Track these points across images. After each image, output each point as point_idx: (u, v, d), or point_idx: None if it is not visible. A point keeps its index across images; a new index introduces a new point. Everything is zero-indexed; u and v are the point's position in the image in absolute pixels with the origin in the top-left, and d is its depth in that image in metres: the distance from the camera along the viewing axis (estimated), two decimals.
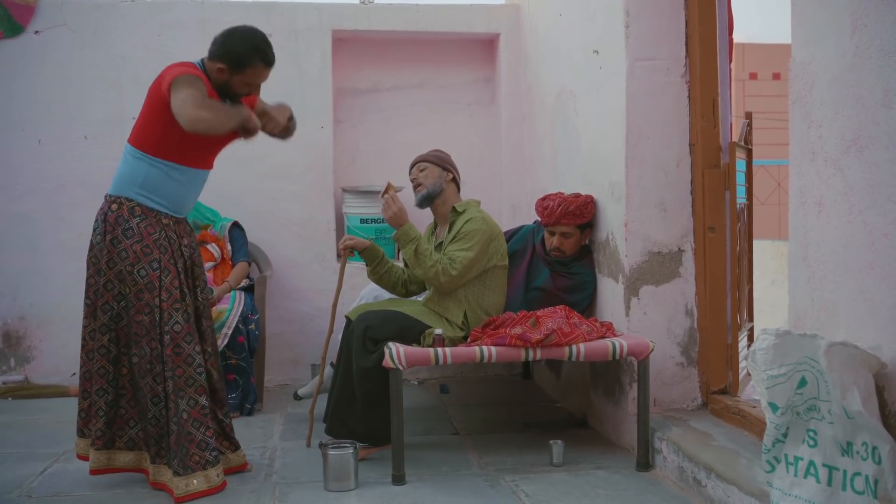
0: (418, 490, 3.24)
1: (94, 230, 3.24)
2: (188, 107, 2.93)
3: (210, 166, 3.38)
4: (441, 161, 3.91)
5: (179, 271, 3.24)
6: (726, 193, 3.60)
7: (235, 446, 3.43)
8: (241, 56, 3.17)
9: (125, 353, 3.23)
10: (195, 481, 3.14)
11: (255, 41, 3.21)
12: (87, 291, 3.25)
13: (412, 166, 3.94)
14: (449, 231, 3.80)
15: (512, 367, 5.22)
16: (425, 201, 3.86)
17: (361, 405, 3.51)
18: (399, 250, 4.05)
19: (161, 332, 3.17)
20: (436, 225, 4.00)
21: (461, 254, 3.64)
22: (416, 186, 3.88)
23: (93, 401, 3.24)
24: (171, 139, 3.15)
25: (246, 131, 3.13)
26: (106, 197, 3.25)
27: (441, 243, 3.82)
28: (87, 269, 3.25)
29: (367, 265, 3.98)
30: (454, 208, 3.82)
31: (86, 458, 3.30)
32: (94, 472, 3.26)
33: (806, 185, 2.53)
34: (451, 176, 3.88)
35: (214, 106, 3.02)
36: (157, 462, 3.23)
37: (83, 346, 3.26)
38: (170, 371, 3.16)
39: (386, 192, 3.78)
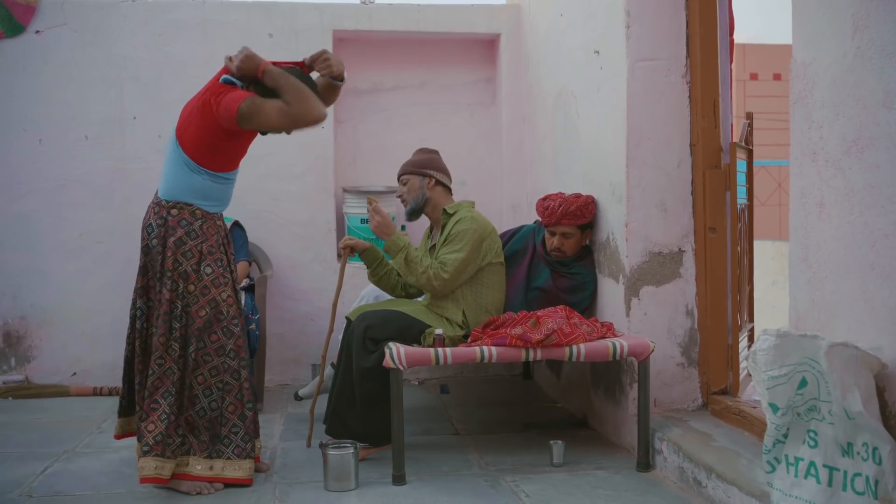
0: (418, 490, 3.24)
1: (149, 234, 3.31)
2: (305, 106, 3.15)
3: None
4: (420, 168, 3.88)
5: (232, 269, 3.40)
6: (727, 194, 3.60)
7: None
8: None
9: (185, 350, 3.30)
10: (248, 465, 3.29)
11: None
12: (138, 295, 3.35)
13: (398, 177, 3.96)
14: (441, 233, 3.81)
15: (512, 367, 5.22)
16: (412, 215, 3.90)
17: (361, 405, 3.51)
18: None
19: (228, 325, 3.29)
20: (431, 229, 4.01)
21: (452, 256, 3.65)
22: (403, 202, 3.91)
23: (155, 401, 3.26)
24: (227, 153, 3.33)
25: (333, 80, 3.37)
26: (162, 203, 3.31)
27: (434, 245, 3.82)
28: (141, 274, 3.33)
29: (366, 267, 3.98)
30: (445, 211, 3.81)
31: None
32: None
33: (807, 185, 2.53)
34: (433, 181, 3.86)
35: (300, 87, 3.18)
36: (197, 454, 3.27)
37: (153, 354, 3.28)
38: (234, 362, 3.29)
39: (368, 204, 3.78)
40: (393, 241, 3.69)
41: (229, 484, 3.27)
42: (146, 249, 3.32)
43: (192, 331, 3.26)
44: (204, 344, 3.27)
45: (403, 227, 5.24)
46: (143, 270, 3.33)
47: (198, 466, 3.25)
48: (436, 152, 4.00)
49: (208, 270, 3.29)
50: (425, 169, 3.88)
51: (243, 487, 3.27)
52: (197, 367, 3.26)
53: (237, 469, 3.27)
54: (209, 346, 3.27)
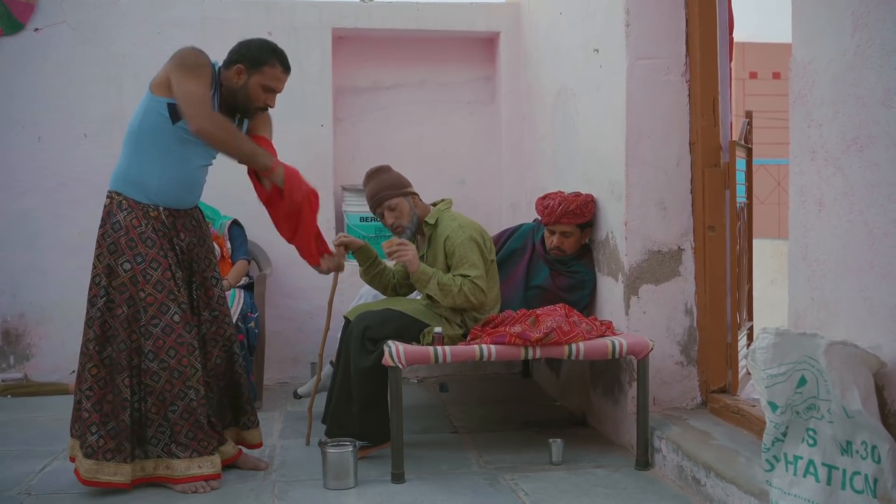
0: (418, 488, 3.24)
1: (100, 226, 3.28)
2: (203, 109, 3.08)
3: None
4: (399, 188, 3.75)
5: (171, 264, 3.24)
6: (726, 192, 3.60)
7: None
8: (259, 55, 3.26)
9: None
10: (199, 468, 3.19)
11: (271, 45, 3.34)
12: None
13: (374, 207, 3.77)
14: (428, 245, 3.76)
15: (511, 365, 5.22)
16: (412, 237, 3.79)
17: (359, 405, 3.51)
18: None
19: (146, 326, 3.16)
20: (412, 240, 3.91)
21: (473, 273, 3.59)
22: (396, 229, 3.75)
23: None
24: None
25: (267, 174, 3.26)
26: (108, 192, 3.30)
27: (423, 256, 3.78)
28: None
29: (359, 265, 3.96)
30: (426, 222, 3.78)
31: (73, 460, 3.30)
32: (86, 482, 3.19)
33: (806, 184, 2.53)
34: (414, 196, 3.78)
35: (227, 123, 3.14)
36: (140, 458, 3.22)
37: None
38: (155, 363, 3.15)
39: (393, 245, 3.61)
40: (422, 270, 3.59)
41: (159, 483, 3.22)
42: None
43: (110, 332, 3.18)
44: (125, 346, 3.16)
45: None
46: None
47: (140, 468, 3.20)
48: (390, 168, 3.85)
49: (126, 266, 3.17)
50: (405, 188, 3.76)
51: (242, 485, 3.27)
52: (120, 370, 3.16)
53: (166, 468, 3.20)
54: (130, 346, 3.17)
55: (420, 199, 3.82)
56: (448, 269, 3.67)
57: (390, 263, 3.90)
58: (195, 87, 3.11)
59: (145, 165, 3.23)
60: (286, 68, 3.33)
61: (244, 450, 3.50)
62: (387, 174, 3.80)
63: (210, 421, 3.32)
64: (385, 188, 3.75)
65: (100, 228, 3.25)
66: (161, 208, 3.26)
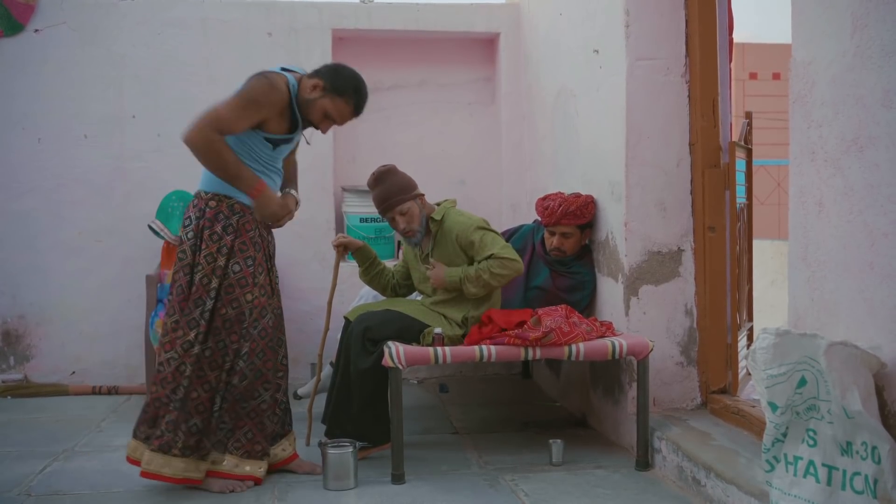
0: (418, 489, 3.24)
1: (185, 227, 3.26)
2: (207, 131, 3.09)
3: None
4: (408, 191, 3.70)
5: (268, 269, 3.33)
6: (726, 193, 3.60)
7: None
8: (342, 85, 3.28)
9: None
10: (248, 467, 3.25)
11: (362, 83, 3.34)
12: (170, 288, 3.29)
13: (385, 211, 3.72)
14: (434, 242, 3.75)
15: (511, 366, 5.22)
16: (422, 239, 3.78)
17: (359, 406, 3.51)
18: (400, 247, 4.00)
19: (248, 328, 3.22)
20: None
21: (495, 249, 3.58)
22: (407, 234, 3.72)
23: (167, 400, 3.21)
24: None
25: (260, 208, 3.24)
26: (201, 195, 3.27)
27: (427, 256, 3.78)
28: (174, 266, 3.29)
29: (358, 266, 3.96)
30: (432, 218, 3.77)
31: (137, 463, 3.24)
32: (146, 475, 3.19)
33: (806, 184, 2.53)
34: (421, 197, 3.75)
35: (229, 154, 3.15)
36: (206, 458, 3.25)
37: (161, 343, 3.27)
38: (247, 365, 3.23)
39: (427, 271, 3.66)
40: (448, 277, 3.58)
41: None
42: (179, 242, 3.29)
43: (212, 328, 3.21)
44: (224, 344, 3.22)
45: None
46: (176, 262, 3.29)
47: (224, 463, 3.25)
48: (396, 169, 3.79)
49: (236, 269, 3.22)
50: (413, 190, 3.73)
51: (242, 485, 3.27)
52: (214, 367, 3.21)
53: (212, 463, 3.24)
54: (229, 346, 3.23)
55: (425, 199, 3.81)
56: (470, 262, 3.67)
57: (390, 265, 3.89)
58: (225, 113, 3.13)
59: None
60: (358, 112, 3.35)
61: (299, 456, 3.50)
62: (394, 177, 3.73)
63: (273, 426, 3.36)
64: (395, 193, 3.69)
65: (205, 229, 3.22)
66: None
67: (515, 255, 3.61)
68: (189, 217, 3.27)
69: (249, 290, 3.23)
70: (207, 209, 3.23)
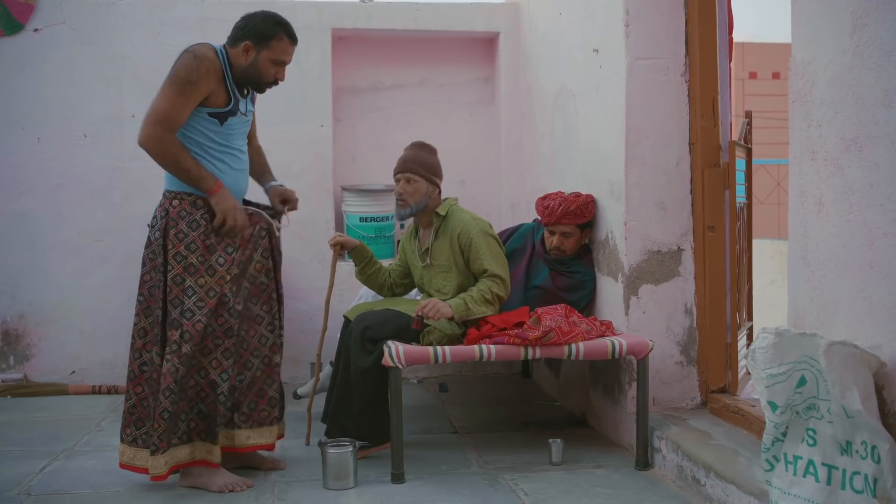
0: (417, 489, 3.24)
1: (151, 227, 3.26)
2: (157, 129, 3.10)
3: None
4: (430, 172, 3.73)
5: (248, 260, 3.33)
6: (726, 192, 3.60)
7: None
8: (265, 29, 3.28)
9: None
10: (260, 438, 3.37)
11: (276, 17, 3.36)
12: (140, 288, 3.26)
13: (399, 171, 3.75)
14: (435, 236, 3.76)
15: (511, 365, 5.22)
16: (407, 218, 3.80)
17: (358, 406, 3.51)
18: (398, 248, 4.01)
19: (228, 310, 3.23)
20: (417, 229, 3.92)
21: (492, 268, 3.61)
22: (400, 202, 3.73)
23: (153, 402, 3.19)
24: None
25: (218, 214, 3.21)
26: (164, 193, 3.27)
27: (427, 249, 3.79)
28: (143, 266, 3.26)
29: (355, 265, 3.96)
30: (437, 213, 3.77)
31: (139, 470, 3.22)
32: (158, 478, 3.17)
33: (806, 184, 2.53)
34: (437, 190, 3.77)
35: (175, 148, 3.14)
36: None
37: (132, 345, 3.25)
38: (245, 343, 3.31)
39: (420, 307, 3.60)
40: (455, 308, 3.51)
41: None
42: (147, 243, 3.27)
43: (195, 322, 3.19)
44: (213, 329, 3.22)
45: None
46: (143, 263, 3.27)
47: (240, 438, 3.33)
48: (436, 152, 3.85)
49: (220, 261, 3.21)
50: (435, 177, 3.75)
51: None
52: (208, 351, 3.22)
53: (226, 438, 3.30)
54: (217, 329, 3.22)
55: (439, 194, 3.80)
56: (465, 262, 3.67)
57: (387, 264, 3.89)
58: (166, 105, 3.10)
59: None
60: (293, 39, 3.35)
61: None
62: (428, 153, 3.80)
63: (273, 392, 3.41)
64: (418, 162, 3.73)
65: (170, 228, 3.20)
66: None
67: (506, 277, 3.66)
68: (156, 217, 3.26)
69: (223, 274, 3.20)
70: (171, 208, 3.22)
